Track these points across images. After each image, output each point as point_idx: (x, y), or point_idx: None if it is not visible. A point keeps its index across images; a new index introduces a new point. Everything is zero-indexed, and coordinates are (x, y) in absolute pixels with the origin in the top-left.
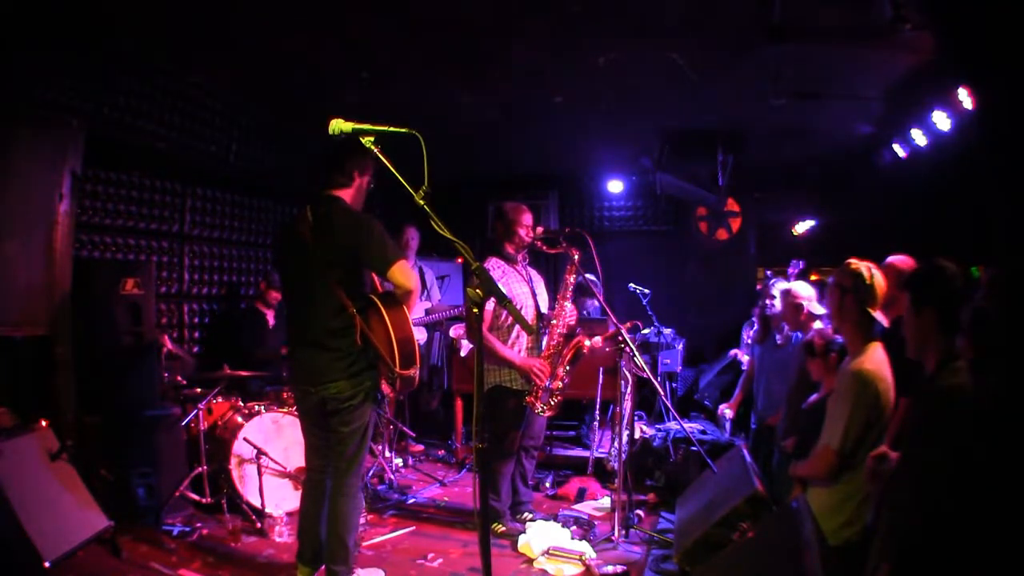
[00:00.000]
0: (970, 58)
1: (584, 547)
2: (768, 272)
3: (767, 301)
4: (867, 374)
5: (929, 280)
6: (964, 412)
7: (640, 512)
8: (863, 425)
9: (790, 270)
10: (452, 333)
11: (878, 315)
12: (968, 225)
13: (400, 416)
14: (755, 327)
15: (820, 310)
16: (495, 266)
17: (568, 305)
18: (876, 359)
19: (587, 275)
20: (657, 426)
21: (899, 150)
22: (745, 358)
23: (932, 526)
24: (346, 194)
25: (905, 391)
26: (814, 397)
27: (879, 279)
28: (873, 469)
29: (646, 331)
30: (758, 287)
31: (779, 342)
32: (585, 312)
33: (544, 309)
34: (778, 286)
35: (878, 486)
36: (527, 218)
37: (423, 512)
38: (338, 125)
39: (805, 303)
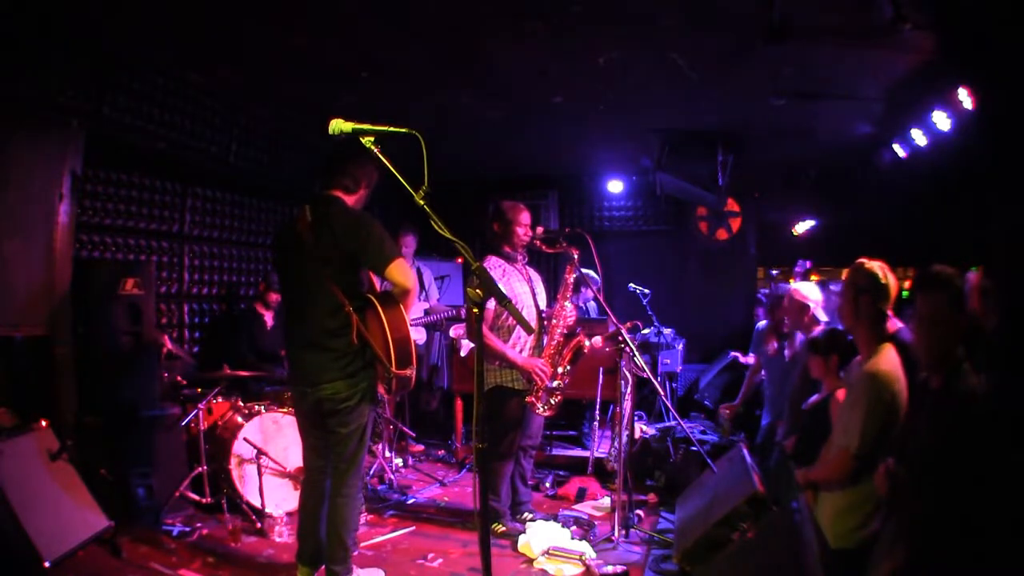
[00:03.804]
0: (970, 58)
1: (584, 547)
2: (773, 272)
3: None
4: (884, 375)
5: (954, 287)
6: (982, 418)
7: (640, 512)
8: (880, 427)
9: (796, 270)
10: (452, 333)
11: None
12: (968, 225)
13: (400, 416)
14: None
15: (823, 316)
16: (495, 265)
17: (568, 304)
18: (891, 360)
19: (585, 271)
20: (657, 426)
21: (899, 150)
22: (751, 358)
23: (955, 534)
24: (348, 198)
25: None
26: (814, 398)
27: (892, 279)
28: (887, 483)
29: (646, 331)
30: (763, 290)
31: (787, 355)
32: (581, 304)
33: (544, 308)
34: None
35: (891, 497)
36: (525, 217)
37: (423, 512)
38: (338, 125)
39: (812, 305)
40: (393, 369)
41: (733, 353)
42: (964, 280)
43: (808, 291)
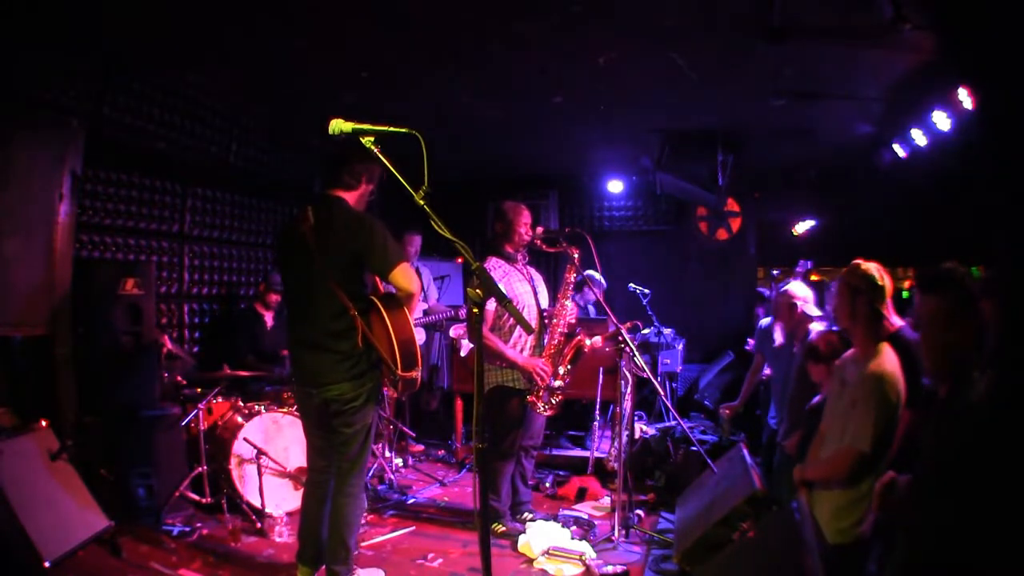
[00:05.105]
0: (970, 58)
1: (584, 547)
2: (773, 272)
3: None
4: (889, 376)
5: (964, 287)
6: (984, 434)
7: (640, 512)
8: (886, 426)
9: (797, 270)
10: (452, 333)
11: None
12: (968, 225)
13: (400, 416)
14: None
15: (815, 311)
16: (496, 266)
17: (569, 304)
18: (893, 361)
19: (590, 272)
20: (657, 426)
21: (899, 150)
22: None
23: (962, 545)
24: (350, 196)
25: (909, 401)
26: (817, 398)
27: (888, 280)
28: (884, 496)
29: (646, 331)
30: (763, 289)
31: (777, 344)
32: (582, 303)
33: (545, 307)
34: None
35: (887, 513)
36: (526, 217)
37: (423, 512)
38: (338, 125)
39: (799, 303)
40: (399, 372)
41: (751, 342)
42: (972, 279)
43: (795, 289)
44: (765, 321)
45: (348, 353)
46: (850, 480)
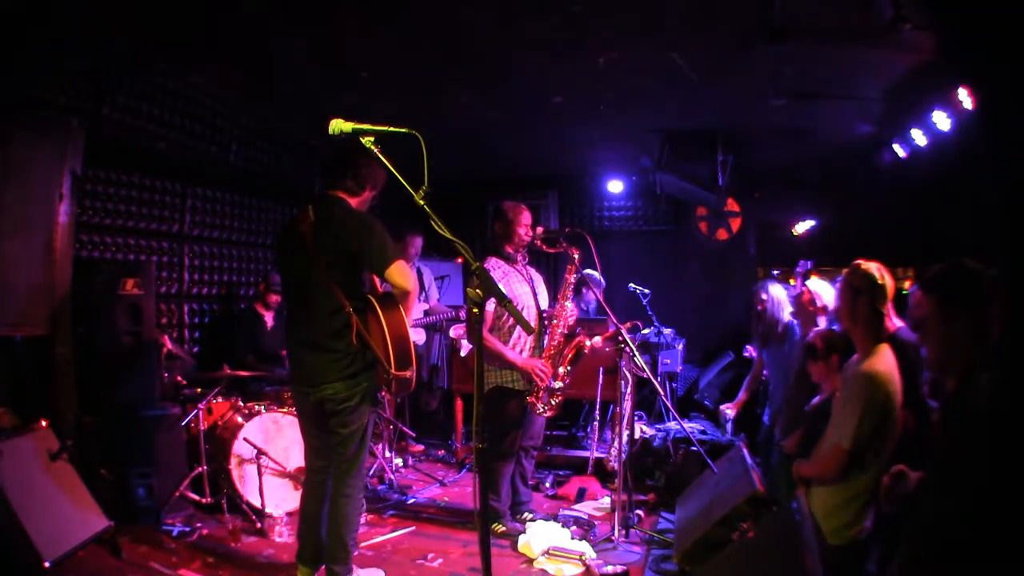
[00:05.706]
0: (970, 58)
1: (584, 547)
2: (773, 272)
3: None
4: (879, 375)
5: (963, 285)
6: (986, 434)
7: (640, 512)
8: (873, 426)
9: (797, 270)
10: (452, 333)
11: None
12: (968, 225)
13: (400, 416)
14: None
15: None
16: (495, 266)
17: (569, 304)
18: (887, 360)
19: (588, 271)
20: (657, 426)
21: (899, 150)
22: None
23: (955, 550)
24: (352, 200)
25: (906, 402)
26: (817, 399)
27: (889, 279)
28: (890, 487)
29: (646, 331)
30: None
31: (779, 331)
32: (583, 306)
33: (545, 308)
34: (770, 288)
35: (894, 505)
36: (526, 217)
37: (423, 512)
38: (338, 125)
39: (817, 300)
40: (392, 371)
41: (749, 348)
42: (983, 279)
43: (818, 289)
44: None
45: (343, 352)
46: (837, 477)
